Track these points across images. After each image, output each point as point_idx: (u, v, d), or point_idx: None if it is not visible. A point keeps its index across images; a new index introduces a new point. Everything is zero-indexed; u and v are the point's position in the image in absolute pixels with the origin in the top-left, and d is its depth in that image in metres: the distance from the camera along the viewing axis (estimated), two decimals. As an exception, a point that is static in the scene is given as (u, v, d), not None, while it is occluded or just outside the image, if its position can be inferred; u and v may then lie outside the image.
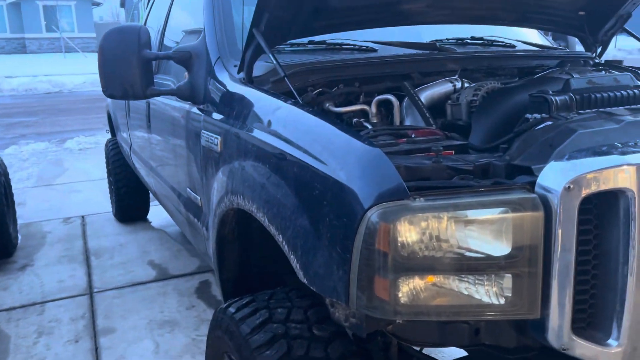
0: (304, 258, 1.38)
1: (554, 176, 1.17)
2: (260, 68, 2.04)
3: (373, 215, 1.18)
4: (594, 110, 1.51)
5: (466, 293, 1.20)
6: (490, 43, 2.57)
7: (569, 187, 1.13)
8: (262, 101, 1.81)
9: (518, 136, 1.43)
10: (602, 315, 1.21)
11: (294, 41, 2.23)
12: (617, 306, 1.18)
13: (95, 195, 5.72)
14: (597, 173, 1.14)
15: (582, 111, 1.50)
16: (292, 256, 1.43)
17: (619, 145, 1.22)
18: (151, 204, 4.94)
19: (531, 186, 1.20)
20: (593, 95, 1.54)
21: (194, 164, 2.32)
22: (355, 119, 1.88)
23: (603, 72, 2.12)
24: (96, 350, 2.92)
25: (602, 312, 1.21)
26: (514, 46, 2.59)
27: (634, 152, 1.17)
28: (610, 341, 1.19)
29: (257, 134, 1.71)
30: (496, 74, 2.24)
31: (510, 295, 1.18)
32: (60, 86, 15.18)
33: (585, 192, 1.14)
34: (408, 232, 1.16)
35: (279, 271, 1.94)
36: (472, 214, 1.16)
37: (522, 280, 1.17)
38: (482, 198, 1.17)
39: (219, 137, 1.98)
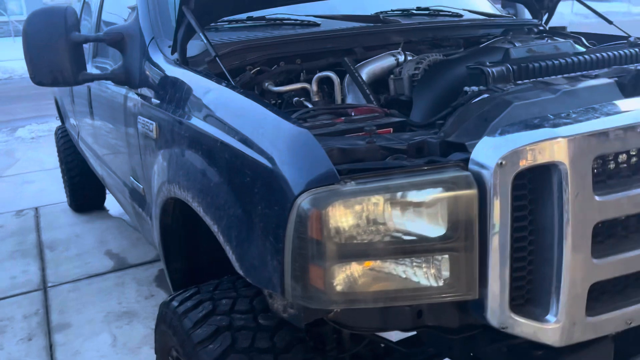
0: (238, 249, 1.33)
1: (486, 152, 1.13)
2: (196, 47, 1.93)
3: (304, 201, 1.13)
4: (531, 80, 1.48)
5: (404, 276, 1.16)
6: (436, 13, 2.51)
7: (501, 163, 1.10)
8: (193, 83, 1.72)
9: (455, 111, 1.39)
10: (540, 291, 1.19)
11: (231, 17, 2.13)
12: (554, 281, 1.17)
13: (49, 185, 5.51)
14: (529, 147, 1.10)
15: (519, 82, 1.47)
16: (227, 247, 1.37)
17: (551, 117, 1.18)
18: (107, 191, 4.79)
19: (465, 163, 1.16)
20: (531, 65, 1.50)
21: (134, 151, 2.22)
22: (296, 98, 1.81)
23: (546, 39, 2.09)
24: (50, 348, 2.83)
25: (540, 287, 1.20)
26: (460, 16, 2.54)
27: (565, 124, 1.14)
28: (549, 317, 1.17)
29: (189, 119, 1.62)
30: (441, 45, 2.19)
31: (448, 276, 1.16)
32: (11, 72, 14.53)
33: (518, 168, 1.11)
34: (339, 218, 1.12)
35: (229, 259, 1.88)
36: (403, 196, 1.12)
37: (459, 261, 1.15)
38: (414, 179, 1.13)
39: (154, 123, 1.89)
